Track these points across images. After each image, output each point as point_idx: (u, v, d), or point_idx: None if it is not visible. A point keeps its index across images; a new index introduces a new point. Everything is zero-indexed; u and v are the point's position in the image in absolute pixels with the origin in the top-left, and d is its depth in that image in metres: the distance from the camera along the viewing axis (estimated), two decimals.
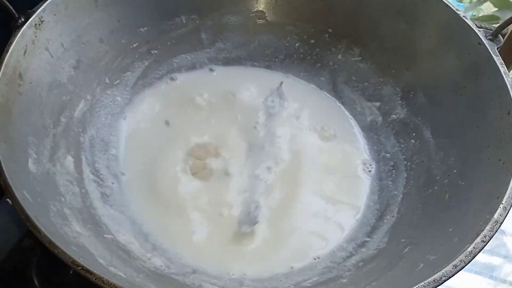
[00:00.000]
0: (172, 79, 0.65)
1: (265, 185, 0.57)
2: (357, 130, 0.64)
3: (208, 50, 0.67)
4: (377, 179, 0.60)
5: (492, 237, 0.39)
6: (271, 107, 0.64)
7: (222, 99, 0.64)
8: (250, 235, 0.53)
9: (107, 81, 0.59)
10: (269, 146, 0.60)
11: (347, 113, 0.66)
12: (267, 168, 0.58)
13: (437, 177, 0.52)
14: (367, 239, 0.53)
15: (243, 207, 0.54)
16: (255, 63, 0.69)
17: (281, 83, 0.65)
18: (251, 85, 0.66)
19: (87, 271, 0.34)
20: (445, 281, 0.37)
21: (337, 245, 0.54)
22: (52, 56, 0.50)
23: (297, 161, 0.59)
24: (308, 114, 0.64)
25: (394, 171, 0.59)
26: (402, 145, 0.60)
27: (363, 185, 0.59)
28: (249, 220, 0.53)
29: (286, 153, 0.60)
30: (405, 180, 0.57)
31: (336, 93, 0.67)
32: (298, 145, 0.61)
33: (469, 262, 0.38)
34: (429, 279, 0.37)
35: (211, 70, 0.67)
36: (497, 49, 0.50)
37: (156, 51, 0.64)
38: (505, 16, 0.77)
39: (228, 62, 0.68)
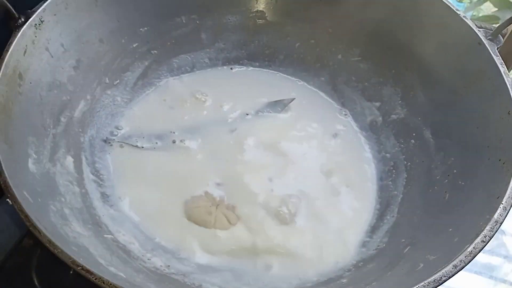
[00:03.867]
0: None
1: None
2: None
3: (208, 50, 0.67)
4: (377, 179, 0.60)
5: (492, 237, 0.39)
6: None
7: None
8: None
9: (107, 81, 0.59)
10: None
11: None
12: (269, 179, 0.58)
13: (437, 177, 0.52)
14: (367, 239, 0.53)
15: None
16: (256, 63, 0.69)
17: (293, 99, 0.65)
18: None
19: (87, 271, 0.34)
20: (445, 281, 0.37)
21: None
22: (52, 56, 0.50)
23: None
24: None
25: (394, 171, 0.59)
26: (402, 145, 0.60)
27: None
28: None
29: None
30: (405, 180, 0.57)
31: (336, 93, 0.67)
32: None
33: (469, 262, 0.38)
34: (429, 279, 0.37)
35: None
36: (497, 49, 0.50)
37: (156, 51, 0.64)
38: (505, 16, 0.77)
39: (228, 62, 0.69)
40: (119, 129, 0.60)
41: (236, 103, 0.65)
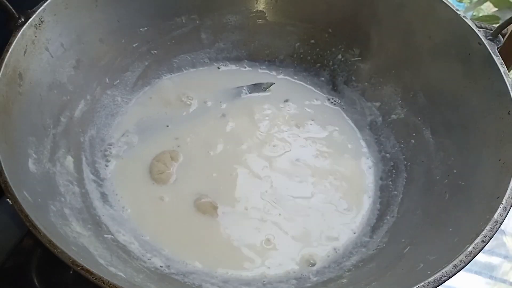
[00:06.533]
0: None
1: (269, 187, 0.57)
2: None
3: (208, 50, 0.67)
4: (378, 179, 0.60)
5: (492, 237, 0.39)
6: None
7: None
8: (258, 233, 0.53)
9: (107, 81, 0.59)
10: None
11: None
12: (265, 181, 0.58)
13: (437, 177, 0.52)
14: (367, 239, 0.53)
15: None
16: (256, 63, 0.69)
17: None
18: None
19: (87, 271, 0.34)
20: (445, 281, 0.37)
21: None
22: (52, 56, 0.50)
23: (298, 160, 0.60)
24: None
25: (394, 171, 0.59)
26: (402, 145, 0.60)
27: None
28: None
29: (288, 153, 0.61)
30: (405, 180, 0.57)
31: (336, 93, 0.67)
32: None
33: (469, 262, 0.38)
34: (429, 279, 0.37)
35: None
36: (497, 49, 0.50)
37: (156, 51, 0.64)
38: (505, 16, 0.77)
39: (228, 61, 0.69)
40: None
41: (218, 97, 0.65)
